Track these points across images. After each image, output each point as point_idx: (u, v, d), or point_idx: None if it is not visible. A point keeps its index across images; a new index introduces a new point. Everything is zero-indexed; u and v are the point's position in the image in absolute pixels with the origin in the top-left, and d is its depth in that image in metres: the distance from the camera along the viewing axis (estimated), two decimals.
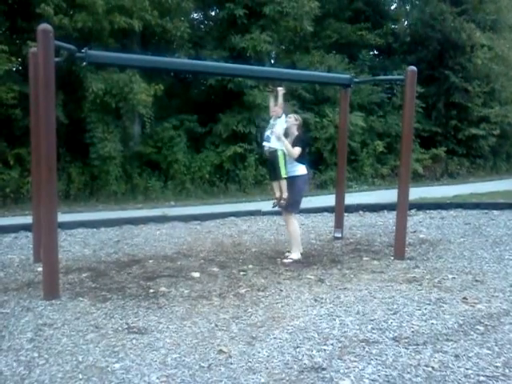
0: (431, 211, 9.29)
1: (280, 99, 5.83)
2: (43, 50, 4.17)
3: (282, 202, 5.84)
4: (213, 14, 15.64)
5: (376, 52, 19.41)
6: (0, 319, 3.77)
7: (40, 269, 4.80)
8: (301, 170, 5.81)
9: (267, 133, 5.86)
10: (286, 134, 5.81)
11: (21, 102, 9.60)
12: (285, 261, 5.72)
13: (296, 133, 5.90)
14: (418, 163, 16.13)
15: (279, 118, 5.79)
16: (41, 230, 4.57)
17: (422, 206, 9.59)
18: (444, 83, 17.42)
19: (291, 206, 5.86)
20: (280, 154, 5.68)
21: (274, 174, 5.80)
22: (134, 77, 10.98)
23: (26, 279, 4.92)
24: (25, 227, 6.94)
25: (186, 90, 14.52)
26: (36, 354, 3.15)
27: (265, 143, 5.85)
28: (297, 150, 5.70)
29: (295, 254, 5.82)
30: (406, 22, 19.82)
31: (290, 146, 5.67)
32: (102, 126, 11.24)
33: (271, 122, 5.90)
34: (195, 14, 15.58)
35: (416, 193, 9.83)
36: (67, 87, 10.52)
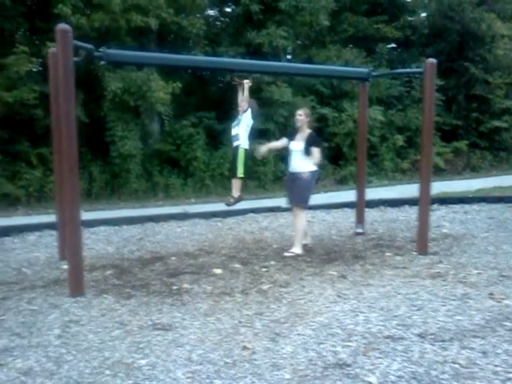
0: (454, 205, 9.16)
1: (246, 92, 5.74)
2: (62, 49, 4.21)
3: (231, 200, 5.84)
4: (228, 10, 15.63)
5: (394, 45, 19.21)
6: (29, 316, 3.84)
7: (65, 266, 4.88)
8: (312, 165, 5.80)
9: (234, 130, 5.79)
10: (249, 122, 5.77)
11: (42, 102, 9.73)
12: (286, 254, 5.78)
13: (308, 130, 5.87)
14: (439, 157, 15.94)
15: (245, 112, 5.70)
16: (65, 228, 4.63)
17: (445, 200, 9.46)
18: (464, 75, 17.16)
19: (303, 201, 5.86)
20: (241, 151, 5.62)
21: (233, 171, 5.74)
22: (152, 75, 11.05)
23: (53, 277, 4.99)
24: (49, 225, 7.03)
25: (204, 87, 14.55)
26: (64, 350, 3.20)
27: (235, 143, 5.77)
28: (318, 154, 5.73)
29: (297, 249, 5.85)
30: (423, 14, 19.54)
31: (318, 156, 5.71)
32: (122, 125, 11.36)
33: (238, 117, 5.83)
34: (211, 11, 15.57)
35: (438, 187, 9.71)
36: (86, 87, 10.63)
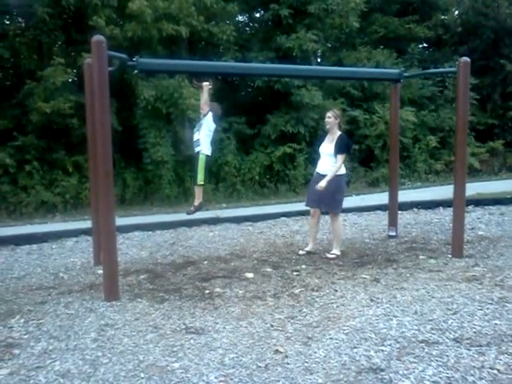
0: (490, 207, 8.94)
1: (205, 95, 5.58)
2: (97, 60, 4.33)
3: (192, 208, 5.75)
4: (257, 15, 15.70)
5: (425, 45, 18.90)
6: (66, 320, 3.94)
7: (100, 271, 4.99)
8: (342, 169, 5.78)
9: (195, 135, 5.66)
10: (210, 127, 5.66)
11: (77, 112, 9.99)
12: (329, 255, 5.83)
13: (338, 132, 5.83)
14: (474, 157, 15.57)
15: (205, 116, 5.56)
16: (100, 233, 4.74)
17: (480, 201, 9.24)
18: (499, 73, 16.73)
19: (336, 207, 5.84)
20: (202, 157, 5.49)
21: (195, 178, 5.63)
22: (183, 82, 11.19)
23: (88, 281, 5.12)
24: (85, 231, 7.20)
25: (234, 92, 14.65)
26: (100, 353, 3.28)
27: (196, 149, 5.63)
28: (341, 160, 5.70)
29: (337, 250, 5.90)
30: (456, 12, 19.16)
31: (335, 171, 5.66)
32: (154, 132, 11.53)
33: (199, 121, 5.70)
34: (240, 17, 15.67)
35: (473, 188, 9.48)
36: (120, 95, 10.87)
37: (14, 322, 3.91)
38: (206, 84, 5.64)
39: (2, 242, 6.97)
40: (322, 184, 5.59)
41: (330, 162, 5.77)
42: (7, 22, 11.40)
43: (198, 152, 5.60)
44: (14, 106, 10.81)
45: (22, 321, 3.92)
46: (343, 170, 5.83)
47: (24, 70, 11.24)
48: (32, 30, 11.07)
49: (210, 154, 5.67)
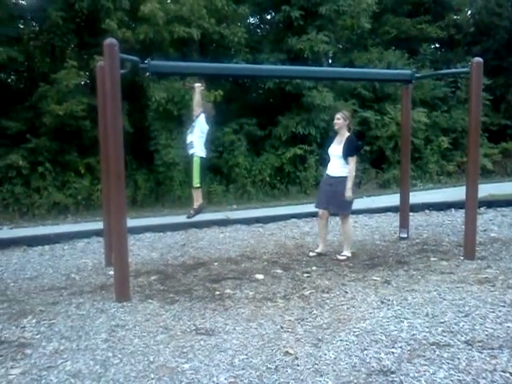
0: (503, 209, 8.84)
1: (197, 96, 5.52)
2: (109, 63, 4.37)
3: (191, 212, 5.67)
4: (268, 17, 15.71)
5: (438, 45, 18.78)
6: (77, 320, 3.97)
7: (111, 272, 5.02)
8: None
9: (189, 137, 5.58)
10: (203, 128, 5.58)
11: (90, 114, 10.06)
12: (339, 257, 5.82)
13: (347, 134, 5.80)
14: (487, 158, 15.42)
15: (198, 117, 5.49)
16: (111, 235, 4.78)
17: (493, 203, 9.15)
18: None
19: (346, 209, 5.83)
20: (196, 159, 5.41)
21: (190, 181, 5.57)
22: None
23: (99, 282, 5.15)
24: (96, 233, 7.26)
25: (245, 94, 14.67)
26: (110, 354, 3.30)
27: (190, 151, 5.56)
28: (353, 162, 5.69)
29: (348, 252, 5.91)
30: (469, 12, 19.01)
31: (352, 176, 5.66)
32: (166, 134, 11.59)
33: (192, 123, 5.63)
34: (251, 19, 15.70)
35: (485, 189, 9.39)
36: (131, 97, 10.94)
37: (27, 322, 3.95)
38: (197, 85, 5.61)
39: (15, 243, 7.05)
40: (349, 194, 5.63)
41: (338, 164, 5.76)
42: (22, 26, 11.53)
43: (192, 154, 5.53)
44: (28, 109, 10.92)
45: (34, 321, 3.96)
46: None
47: (37, 73, 11.37)
48: (46, 33, 11.19)
49: (204, 155, 5.61)
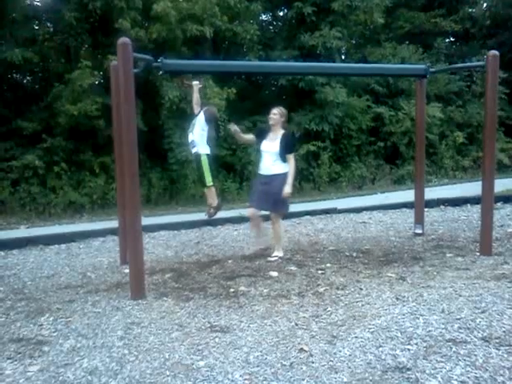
0: None
1: (196, 94, 5.44)
2: (123, 62, 4.39)
3: (211, 211, 5.54)
4: (281, 14, 15.70)
5: (452, 39, 18.58)
6: (93, 318, 4.01)
7: (127, 270, 5.06)
8: (287, 167, 5.53)
9: (190, 136, 5.48)
10: (209, 122, 5.47)
11: (104, 113, 10.14)
12: (270, 259, 5.70)
13: (282, 131, 5.58)
14: (504, 153, 15.24)
15: (197, 116, 5.40)
16: (126, 233, 4.81)
17: (509, 198, 9.04)
18: None
19: (283, 208, 5.67)
20: (204, 158, 5.31)
21: (200, 180, 5.42)
22: (207, 82, 11.25)
23: (115, 280, 5.20)
24: (111, 231, 7.31)
25: (258, 91, 14.67)
26: (126, 351, 3.33)
27: (193, 150, 5.46)
28: (292, 161, 5.49)
29: (280, 252, 5.78)
30: (484, 5, 18.75)
31: (293, 173, 5.48)
32: (179, 132, 11.62)
33: (192, 122, 5.54)
34: (264, 16, 15.69)
35: (502, 184, 9.29)
36: (145, 96, 10.99)
37: (44, 320, 3.99)
38: (195, 83, 5.55)
39: (32, 242, 7.14)
40: (288, 190, 5.41)
41: (272, 161, 5.51)
42: (36, 27, 11.67)
43: (197, 153, 5.45)
44: (43, 109, 11.06)
45: (51, 319, 4.00)
46: (287, 168, 5.54)
47: (52, 74, 11.49)
48: (60, 34, 11.30)
49: (209, 152, 5.55)
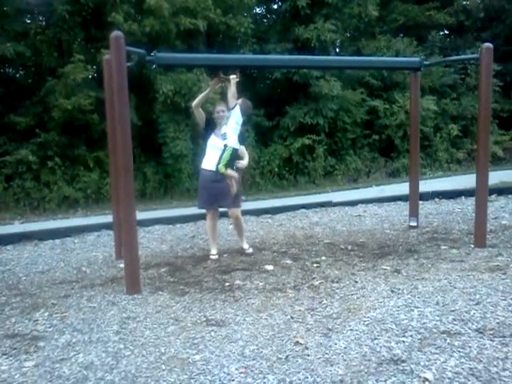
0: None
1: (233, 88, 5.44)
2: (116, 56, 4.36)
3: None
4: (275, 7, 15.62)
5: (446, 32, 18.56)
6: (89, 313, 4.01)
7: (122, 265, 5.05)
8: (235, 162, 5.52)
9: (223, 129, 5.49)
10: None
11: (97, 108, 10.08)
12: (248, 252, 5.79)
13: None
14: (498, 145, 15.30)
15: (232, 109, 5.43)
16: (121, 228, 4.80)
17: (503, 190, 9.07)
18: None
19: (239, 201, 5.70)
20: (229, 149, 5.21)
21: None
22: (202, 76, 11.21)
23: (110, 275, 5.19)
24: (106, 226, 7.29)
25: (252, 84, 14.59)
26: (122, 346, 3.32)
27: (224, 141, 5.45)
28: (246, 152, 5.70)
29: (247, 245, 5.90)
30: None
31: (247, 156, 5.72)
32: (173, 126, 11.59)
33: (226, 114, 5.56)
34: (258, 9, 15.62)
35: (496, 177, 9.32)
36: (139, 90, 10.94)
37: (39, 315, 3.99)
38: (233, 77, 5.55)
39: (27, 238, 7.11)
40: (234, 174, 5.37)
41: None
42: (28, 21, 11.56)
43: (226, 145, 5.46)
44: (36, 104, 10.98)
45: (47, 314, 4.00)
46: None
47: (45, 68, 11.39)
48: (52, 28, 11.20)
49: (238, 147, 5.57)
